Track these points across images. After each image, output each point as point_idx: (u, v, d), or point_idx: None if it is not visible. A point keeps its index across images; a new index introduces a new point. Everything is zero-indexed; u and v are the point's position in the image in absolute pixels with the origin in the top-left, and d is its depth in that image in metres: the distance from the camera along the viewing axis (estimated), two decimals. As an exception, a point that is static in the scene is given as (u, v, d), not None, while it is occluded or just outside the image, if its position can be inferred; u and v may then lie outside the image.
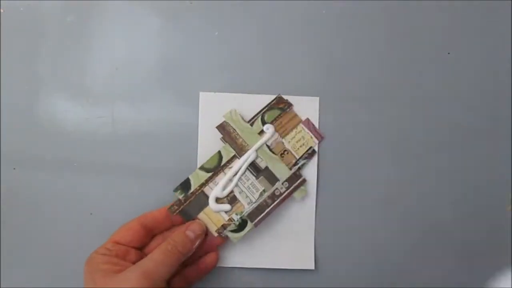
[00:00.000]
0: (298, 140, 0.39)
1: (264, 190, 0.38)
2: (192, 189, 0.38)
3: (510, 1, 0.41)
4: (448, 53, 0.40)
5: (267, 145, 0.39)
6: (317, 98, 0.40)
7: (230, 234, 0.38)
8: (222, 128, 0.39)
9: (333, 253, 0.40)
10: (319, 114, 0.40)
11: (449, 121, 0.40)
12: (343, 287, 0.40)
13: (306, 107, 0.40)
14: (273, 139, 0.39)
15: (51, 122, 0.40)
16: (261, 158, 0.39)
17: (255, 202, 0.38)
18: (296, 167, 0.39)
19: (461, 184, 0.40)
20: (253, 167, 0.38)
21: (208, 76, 0.40)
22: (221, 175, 0.38)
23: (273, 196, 0.38)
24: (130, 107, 0.40)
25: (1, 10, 0.40)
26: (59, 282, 0.39)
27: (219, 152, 0.38)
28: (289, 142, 0.39)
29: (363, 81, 0.40)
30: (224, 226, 0.38)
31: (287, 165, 0.39)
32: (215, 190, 0.38)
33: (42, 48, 0.40)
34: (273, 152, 0.39)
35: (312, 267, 0.39)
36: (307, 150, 0.39)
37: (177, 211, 0.37)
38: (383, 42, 0.40)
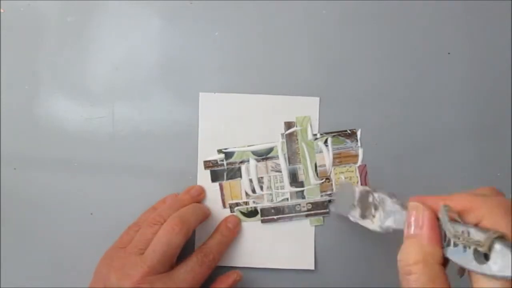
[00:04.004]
0: (345, 178, 0.39)
1: (288, 199, 0.39)
2: (232, 160, 0.39)
3: (510, 1, 0.41)
4: (448, 53, 0.40)
5: (316, 165, 0.39)
6: (317, 98, 0.40)
7: (238, 213, 0.39)
8: (288, 126, 0.39)
9: (333, 253, 0.40)
10: (319, 114, 0.40)
11: (449, 121, 0.40)
12: (343, 287, 0.40)
13: (306, 107, 0.40)
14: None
15: (51, 122, 0.40)
16: (303, 172, 0.39)
17: (274, 202, 0.39)
18: (327, 198, 0.39)
19: (460, 184, 0.40)
20: (292, 174, 0.39)
21: (208, 76, 0.40)
22: (262, 163, 0.39)
23: (292, 208, 0.39)
24: (130, 107, 0.40)
25: (1, 10, 0.40)
26: (59, 282, 0.39)
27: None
28: (336, 174, 0.39)
29: (363, 81, 0.40)
30: (237, 204, 0.39)
31: (321, 191, 0.39)
32: (251, 172, 0.39)
33: (42, 48, 0.40)
34: (317, 173, 0.39)
35: (312, 267, 0.39)
36: None
37: (210, 168, 0.39)
38: (383, 42, 0.40)
